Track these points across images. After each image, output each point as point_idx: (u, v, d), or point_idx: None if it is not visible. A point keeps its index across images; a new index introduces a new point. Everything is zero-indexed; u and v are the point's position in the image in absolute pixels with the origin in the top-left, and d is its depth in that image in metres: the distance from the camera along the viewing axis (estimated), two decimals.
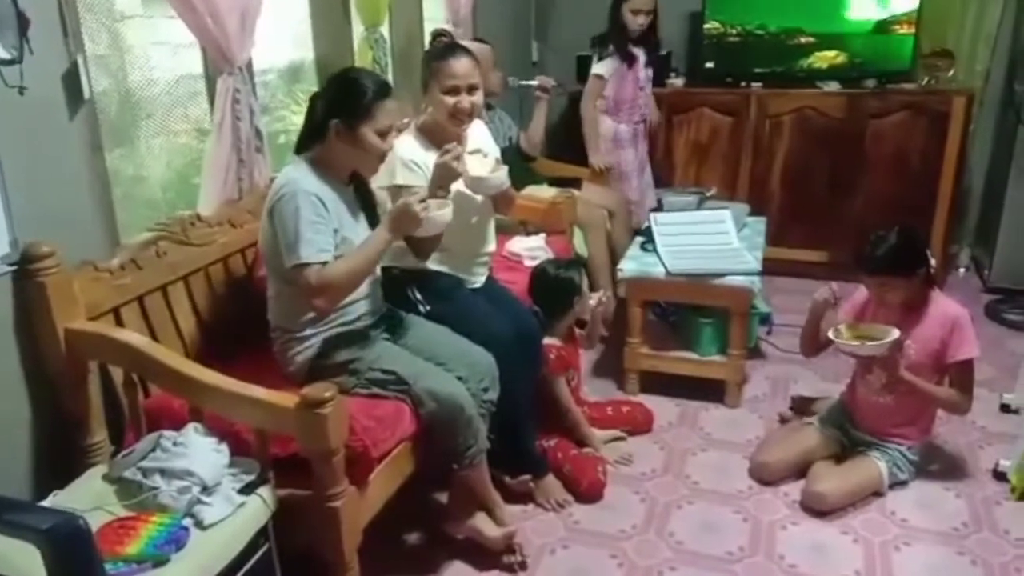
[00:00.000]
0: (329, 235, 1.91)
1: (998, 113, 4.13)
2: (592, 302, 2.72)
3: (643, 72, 3.85)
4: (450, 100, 2.25)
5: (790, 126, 4.10)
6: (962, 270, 4.29)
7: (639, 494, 2.49)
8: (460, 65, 2.25)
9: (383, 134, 1.98)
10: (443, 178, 2.15)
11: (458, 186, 2.23)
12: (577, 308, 2.68)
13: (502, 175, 2.28)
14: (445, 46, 2.38)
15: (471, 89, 2.27)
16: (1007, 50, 4.03)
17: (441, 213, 2.01)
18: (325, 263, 1.89)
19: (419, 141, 2.31)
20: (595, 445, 2.63)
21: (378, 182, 2.20)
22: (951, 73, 3.99)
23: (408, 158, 2.24)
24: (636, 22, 3.69)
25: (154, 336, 2.05)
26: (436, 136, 2.31)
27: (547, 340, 2.60)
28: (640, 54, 3.80)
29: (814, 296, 2.52)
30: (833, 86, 4.06)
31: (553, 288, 2.67)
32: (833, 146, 4.04)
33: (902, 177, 3.96)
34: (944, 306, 2.38)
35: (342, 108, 1.96)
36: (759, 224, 3.42)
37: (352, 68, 2.47)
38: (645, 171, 4.05)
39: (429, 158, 2.24)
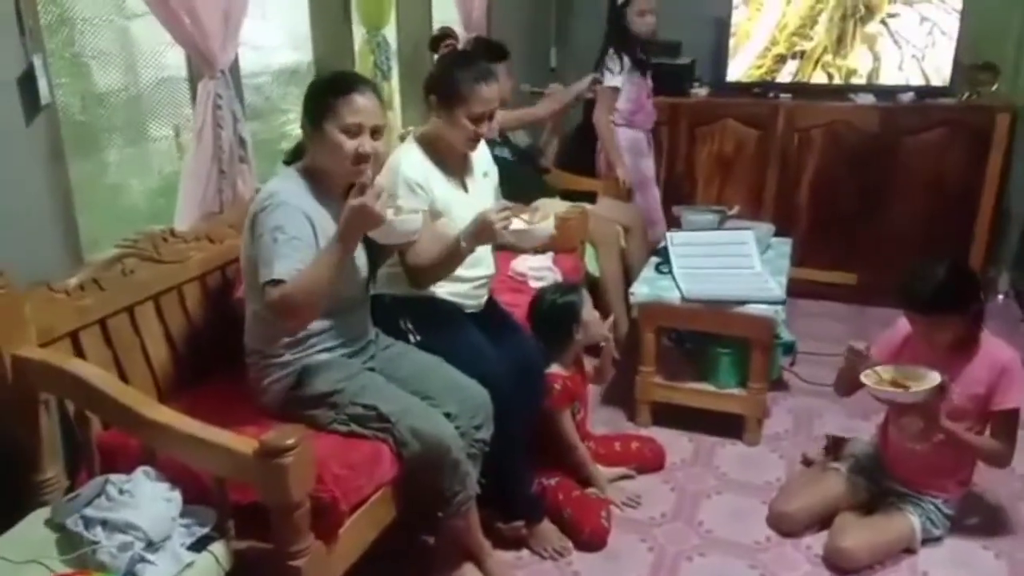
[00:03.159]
0: (308, 255, 1.73)
1: None
2: (603, 331, 2.50)
3: (650, 77, 3.64)
4: (472, 127, 2.12)
5: (820, 141, 3.86)
6: (1000, 296, 4.02)
7: (646, 542, 2.28)
8: (491, 92, 2.12)
9: (350, 131, 1.79)
10: (481, 236, 2.01)
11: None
12: (579, 337, 2.46)
13: (548, 226, 2.09)
14: (479, 70, 2.14)
15: (492, 114, 2.17)
16: None
17: (406, 219, 1.80)
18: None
19: (424, 156, 2.16)
20: (600, 486, 2.43)
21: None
22: (994, 88, 3.74)
23: (412, 178, 2.08)
24: (645, 23, 3.46)
25: (119, 363, 1.89)
26: (439, 150, 2.19)
27: (552, 369, 2.41)
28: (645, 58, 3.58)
29: (850, 343, 2.25)
30: (867, 99, 3.83)
31: (551, 317, 2.44)
32: (865, 163, 3.79)
33: (938, 197, 3.72)
34: (994, 349, 2.14)
35: (308, 108, 1.83)
36: (784, 246, 3.20)
37: (335, 71, 2.28)
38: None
39: (432, 176, 2.13)
